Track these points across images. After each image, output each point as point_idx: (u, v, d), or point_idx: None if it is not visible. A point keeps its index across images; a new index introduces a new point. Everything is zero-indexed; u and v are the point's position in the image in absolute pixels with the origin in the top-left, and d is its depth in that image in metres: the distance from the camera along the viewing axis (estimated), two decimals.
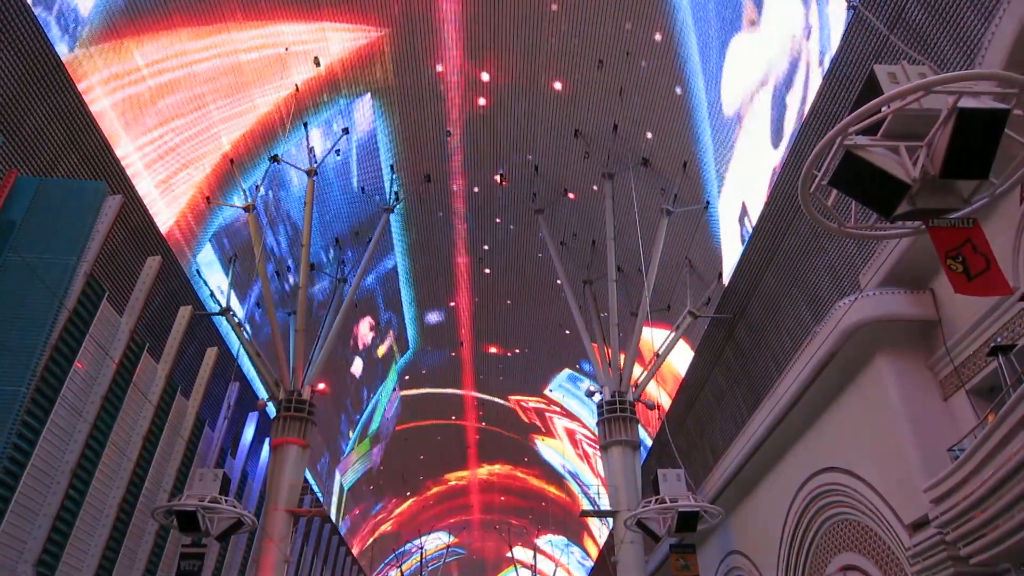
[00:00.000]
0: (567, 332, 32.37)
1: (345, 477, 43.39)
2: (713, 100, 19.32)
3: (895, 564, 12.37)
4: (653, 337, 22.66)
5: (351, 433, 40.23)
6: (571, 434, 44.01)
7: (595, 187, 24.92)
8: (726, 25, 17.76)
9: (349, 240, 28.52)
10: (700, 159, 20.99)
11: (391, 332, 35.98)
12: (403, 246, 30.71)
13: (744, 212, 19.93)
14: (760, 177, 18.49)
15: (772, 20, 16.52)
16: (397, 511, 57.39)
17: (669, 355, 23.50)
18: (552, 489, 54.22)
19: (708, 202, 21.43)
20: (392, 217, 27.70)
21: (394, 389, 41.30)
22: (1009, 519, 9.07)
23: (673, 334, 22.99)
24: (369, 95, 23.77)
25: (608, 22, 20.18)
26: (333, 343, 24.54)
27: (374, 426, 42.77)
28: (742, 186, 19.68)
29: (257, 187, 22.80)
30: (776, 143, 17.74)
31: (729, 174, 20.07)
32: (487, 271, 32.24)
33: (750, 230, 19.19)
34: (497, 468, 54.92)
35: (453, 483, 57.25)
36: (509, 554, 62.76)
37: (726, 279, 21.46)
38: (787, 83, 16.78)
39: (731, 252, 21.23)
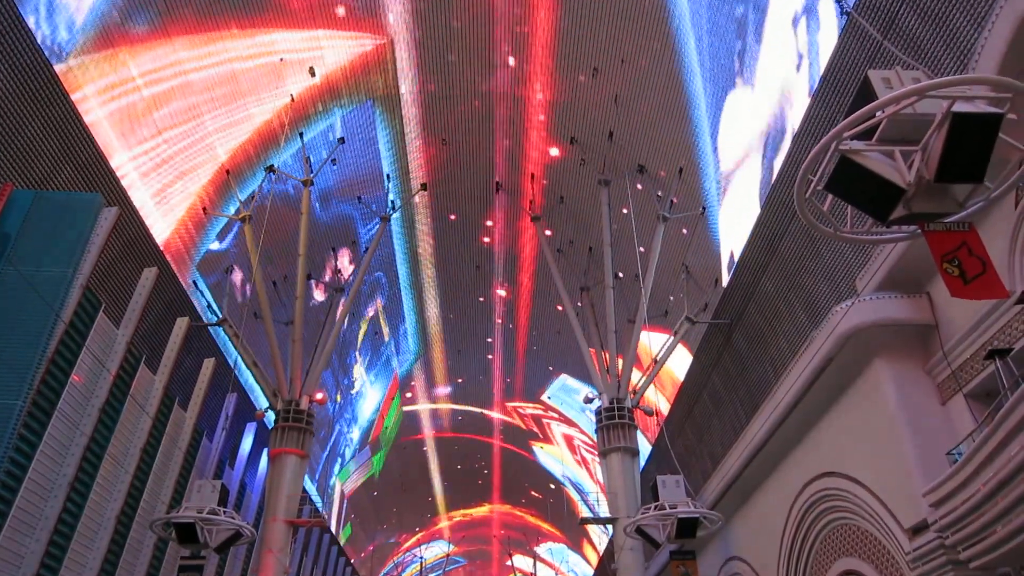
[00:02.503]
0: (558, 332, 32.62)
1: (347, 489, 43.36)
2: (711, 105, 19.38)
3: (895, 568, 12.34)
4: (651, 342, 22.61)
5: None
6: (569, 440, 44.01)
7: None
8: (720, 36, 17.85)
9: (346, 249, 28.47)
10: (696, 165, 21.03)
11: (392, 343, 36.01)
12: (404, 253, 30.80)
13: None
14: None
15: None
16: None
17: (668, 360, 23.46)
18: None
19: (704, 208, 21.45)
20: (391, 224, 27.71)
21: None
22: (1008, 522, 9.06)
23: (671, 340, 22.97)
24: (365, 104, 23.77)
25: (604, 29, 20.25)
26: (331, 353, 24.46)
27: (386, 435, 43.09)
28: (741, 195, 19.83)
29: (253, 197, 22.78)
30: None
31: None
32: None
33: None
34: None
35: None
36: (509, 562, 62.63)
37: (723, 285, 21.48)
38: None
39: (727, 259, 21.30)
